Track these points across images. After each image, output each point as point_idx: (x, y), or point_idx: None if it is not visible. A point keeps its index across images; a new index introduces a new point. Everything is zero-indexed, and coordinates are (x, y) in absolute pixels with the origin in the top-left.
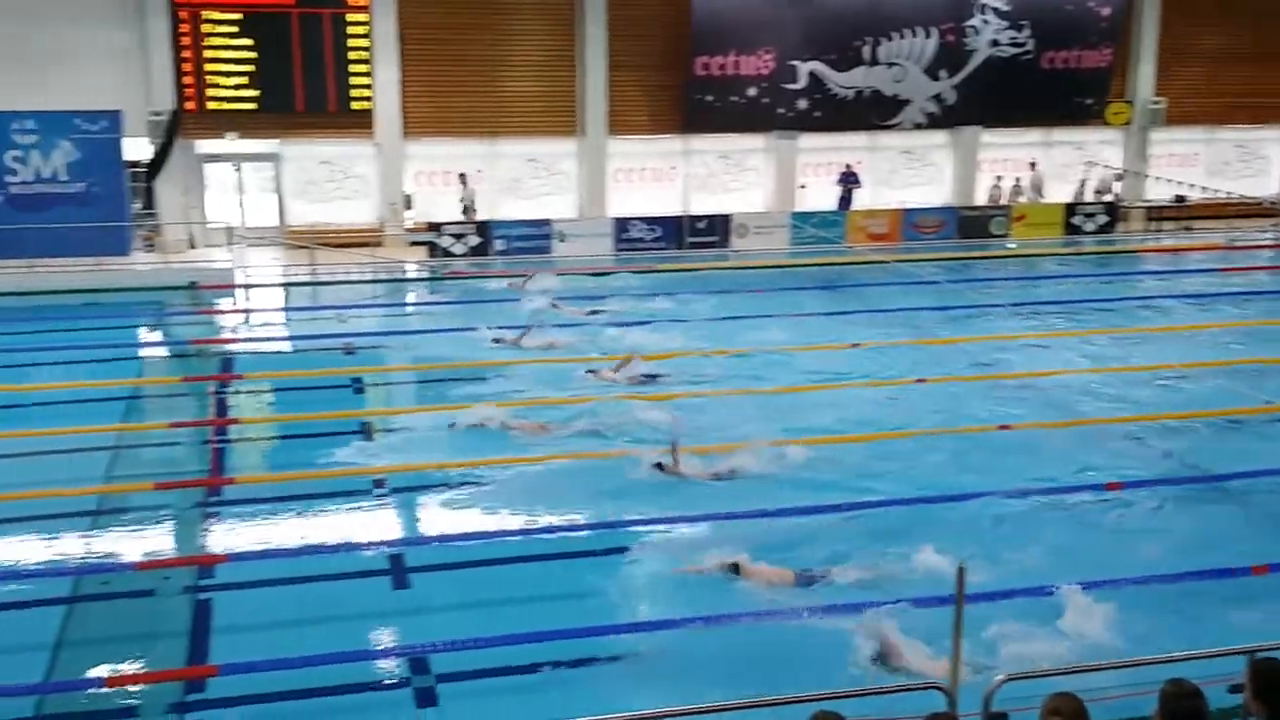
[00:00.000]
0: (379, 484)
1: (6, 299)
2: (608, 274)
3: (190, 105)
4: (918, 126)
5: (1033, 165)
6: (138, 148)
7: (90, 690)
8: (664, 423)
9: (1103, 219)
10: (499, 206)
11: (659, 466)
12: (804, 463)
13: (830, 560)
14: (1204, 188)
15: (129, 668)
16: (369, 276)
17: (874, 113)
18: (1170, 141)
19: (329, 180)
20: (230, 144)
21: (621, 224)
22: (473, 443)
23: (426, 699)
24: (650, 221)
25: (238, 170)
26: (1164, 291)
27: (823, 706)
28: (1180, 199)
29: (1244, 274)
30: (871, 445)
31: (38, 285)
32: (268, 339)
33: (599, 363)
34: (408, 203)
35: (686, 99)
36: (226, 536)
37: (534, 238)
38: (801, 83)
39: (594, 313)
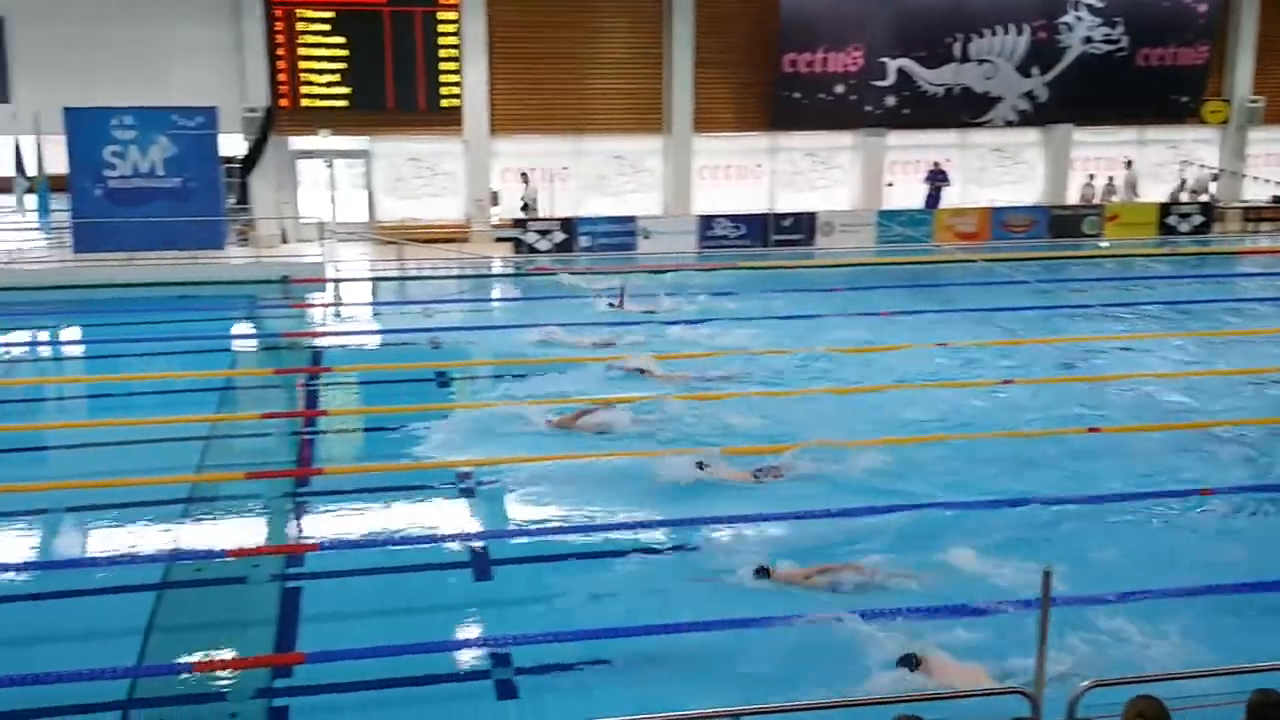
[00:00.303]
0: (463, 477)
1: (105, 291)
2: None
3: (284, 102)
4: (1009, 124)
5: (1128, 164)
6: (233, 144)
7: (180, 675)
8: (744, 425)
9: (1198, 219)
10: (584, 203)
11: (699, 466)
12: (879, 464)
13: (887, 564)
14: None
15: (218, 653)
16: (455, 272)
17: (964, 110)
18: (1268, 141)
19: (417, 177)
20: (322, 140)
21: (706, 221)
22: (554, 438)
23: (507, 691)
24: (735, 219)
25: (329, 166)
26: (1259, 294)
27: (903, 710)
28: (1278, 199)
29: None
30: (954, 446)
31: (135, 278)
32: (356, 333)
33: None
34: (494, 199)
35: (773, 96)
36: (314, 526)
37: (618, 235)
38: (890, 79)
39: (650, 311)
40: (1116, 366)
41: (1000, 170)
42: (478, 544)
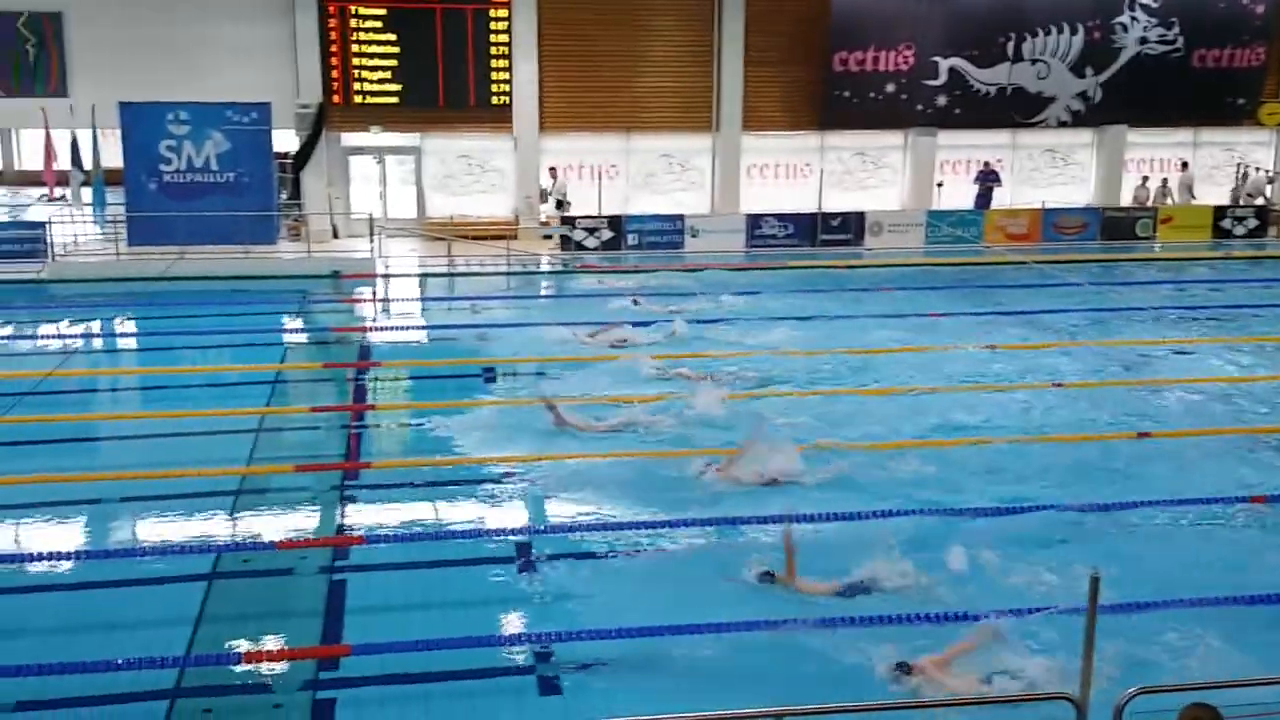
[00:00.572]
0: (508, 474)
1: (158, 284)
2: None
3: (336, 99)
4: (1061, 125)
5: (1184, 166)
6: (286, 140)
7: (228, 665)
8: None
9: (1252, 223)
10: (633, 201)
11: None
12: (919, 467)
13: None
14: None
15: (266, 644)
16: (503, 269)
17: (1016, 110)
18: None
19: (467, 173)
20: (374, 137)
21: (754, 220)
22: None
23: (549, 688)
24: (783, 218)
25: (380, 163)
26: None
27: (946, 712)
28: None
29: None
30: (999, 449)
31: (188, 271)
32: (405, 328)
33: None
34: (543, 196)
35: (823, 95)
36: (361, 519)
37: (666, 233)
38: (942, 79)
39: (675, 311)
40: (1168, 371)
41: (1052, 171)
42: (522, 539)
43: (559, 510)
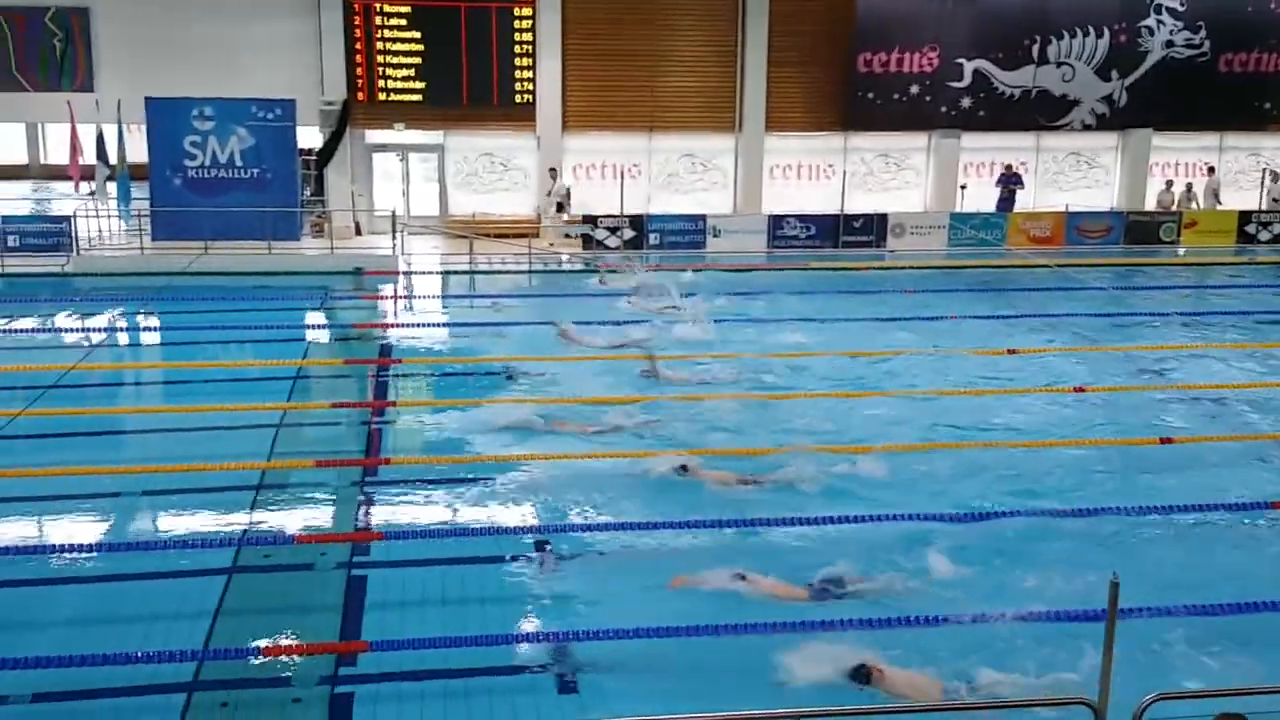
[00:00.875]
0: (526, 470)
1: (182, 279)
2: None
3: (361, 96)
4: (1086, 128)
5: (1210, 170)
6: (310, 136)
7: (247, 659)
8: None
9: (1278, 228)
10: (655, 201)
11: (682, 469)
12: (936, 470)
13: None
14: None
15: (284, 639)
16: (524, 267)
17: (1041, 113)
18: None
19: (490, 172)
20: (397, 134)
21: (776, 221)
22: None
23: (567, 686)
24: (805, 219)
25: (403, 160)
26: None
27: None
28: None
29: None
30: (1019, 453)
31: (211, 266)
32: (426, 325)
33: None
34: (567, 195)
35: (847, 96)
36: (381, 515)
37: (688, 233)
38: (966, 81)
39: (668, 309)
40: (1191, 376)
41: (1076, 174)
42: (540, 537)
43: (578, 509)
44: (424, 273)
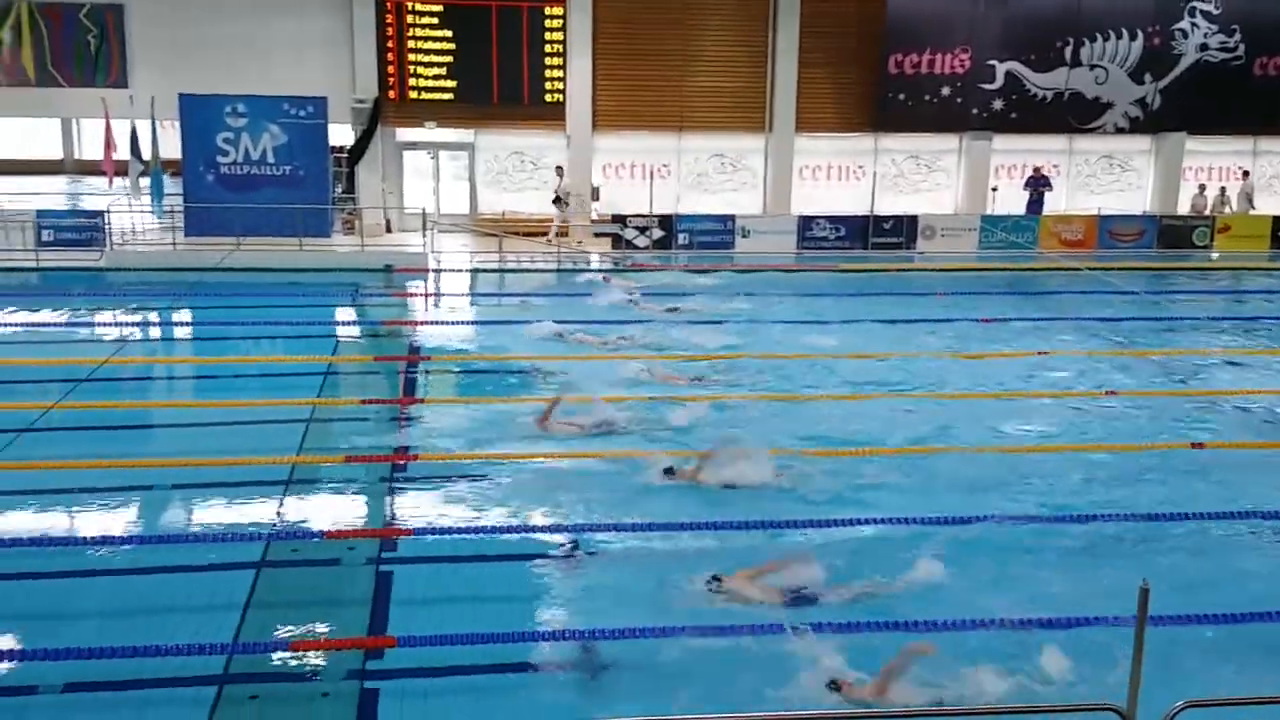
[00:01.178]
0: (554, 470)
1: (214, 274)
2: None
3: (392, 94)
4: (1119, 131)
5: (1245, 174)
6: (341, 134)
7: (276, 652)
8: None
9: None
10: (684, 201)
11: (668, 471)
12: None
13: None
14: None
15: (313, 633)
16: (553, 266)
17: (1073, 115)
18: None
19: (520, 170)
20: (428, 132)
21: (806, 222)
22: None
23: (591, 683)
24: (835, 220)
25: (434, 158)
26: None
27: None
28: None
29: None
30: (1049, 457)
31: (243, 262)
32: (455, 323)
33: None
34: (595, 194)
35: (878, 97)
36: (409, 511)
37: (717, 233)
38: (998, 83)
39: (672, 310)
40: (1223, 381)
41: (1109, 178)
42: (568, 535)
43: (601, 506)
44: (453, 270)
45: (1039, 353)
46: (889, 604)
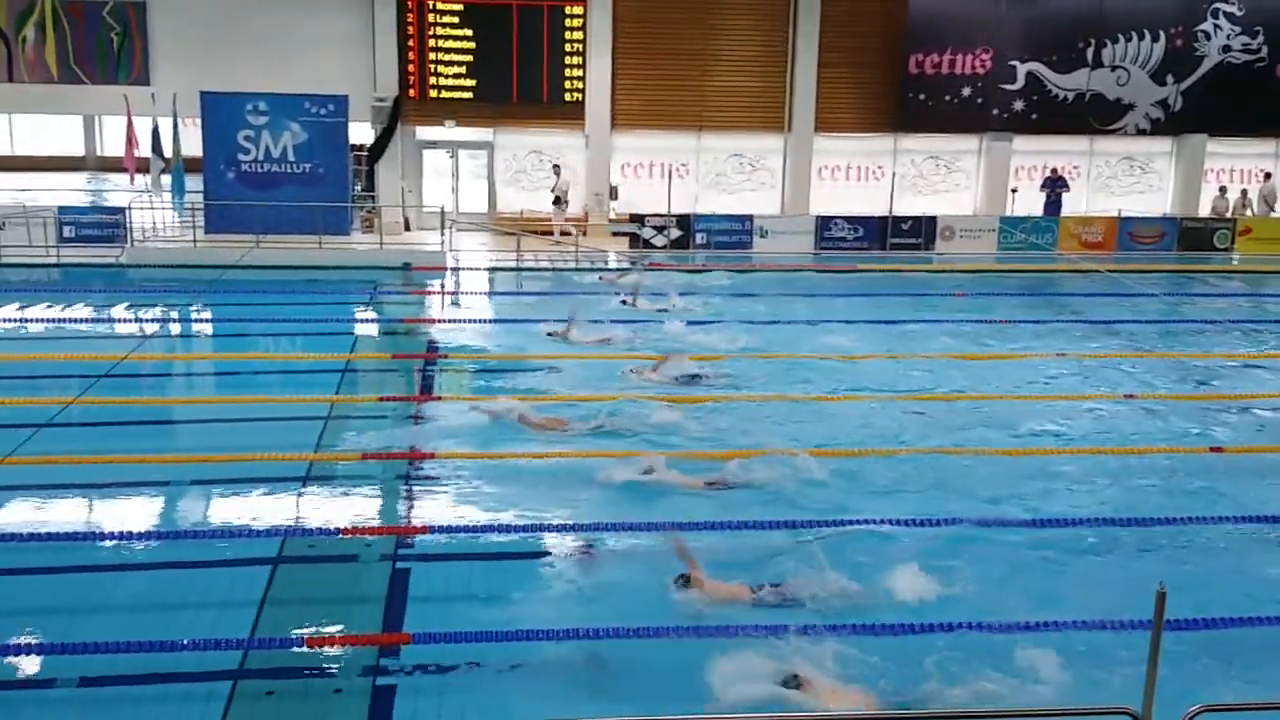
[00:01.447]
0: (570, 467)
1: (233, 272)
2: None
3: (412, 92)
4: (1140, 132)
5: (1266, 176)
6: (361, 132)
7: (291, 648)
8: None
9: None
10: (702, 200)
11: (648, 471)
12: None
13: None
14: None
15: (328, 629)
16: (571, 265)
17: (1094, 116)
18: None
19: (538, 169)
20: (447, 131)
21: (824, 222)
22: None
23: (601, 682)
24: (853, 221)
25: (453, 157)
26: None
27: None
28: None
29: None
30: (1065, 460)
31: (262, 260)
32: (473, 321)
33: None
34: (613, 194)
35: (898, 97)
36: (425, 509)
37: (735, 233)
38: (1019, 83)
39: (663, 310)
40: (1243, 385)
41: (1130, 179)
42: (581, 534)
43: (620, 505)
44: (471, 269)
45: (1057, 354)
46: (904, 606)
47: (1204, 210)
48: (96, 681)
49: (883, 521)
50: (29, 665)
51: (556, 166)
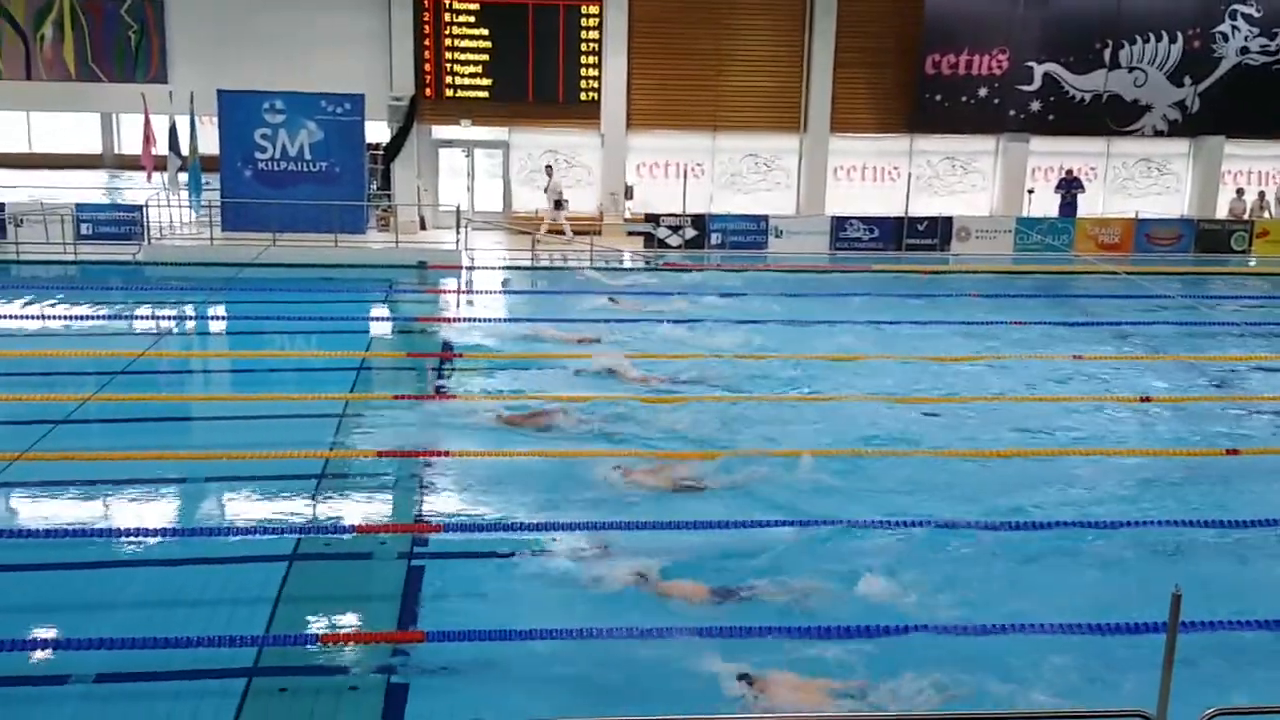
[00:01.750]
0: (585, 465)
1: (250, 269)
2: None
3: (428, 91)
4: (1158, 133)
5: None
6: (377, 130)
7: (306, 645)
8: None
9: None
10: (717, 200)
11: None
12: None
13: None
14: None
15: (342, 626)
16: (586, 264)
17: (1111, 117)
18: None
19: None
20: (463, 130)
21: (839, 223)
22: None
23: (612, 682)
24: (868, 221)
25: (468, 156)
26: None
27: None
28: None
29: None
30: (1081, 462)
31: (278, 258)
32: (488, 320)
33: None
34: (629, 193)
35: (914, 98)
36: (440, 507)
37: (750, 233)
38: (1036, 84)
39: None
40: (1260, 388)
41: (1147, 181)
42: (595, 532)
43: (632, 503)
44: (486, 268)
45: (1073, 356)
46: (920, 605)
47: (1221, 212)
48: (112, 677)
49: (895, 524)
50: (45, 660)
51: (549, 167)
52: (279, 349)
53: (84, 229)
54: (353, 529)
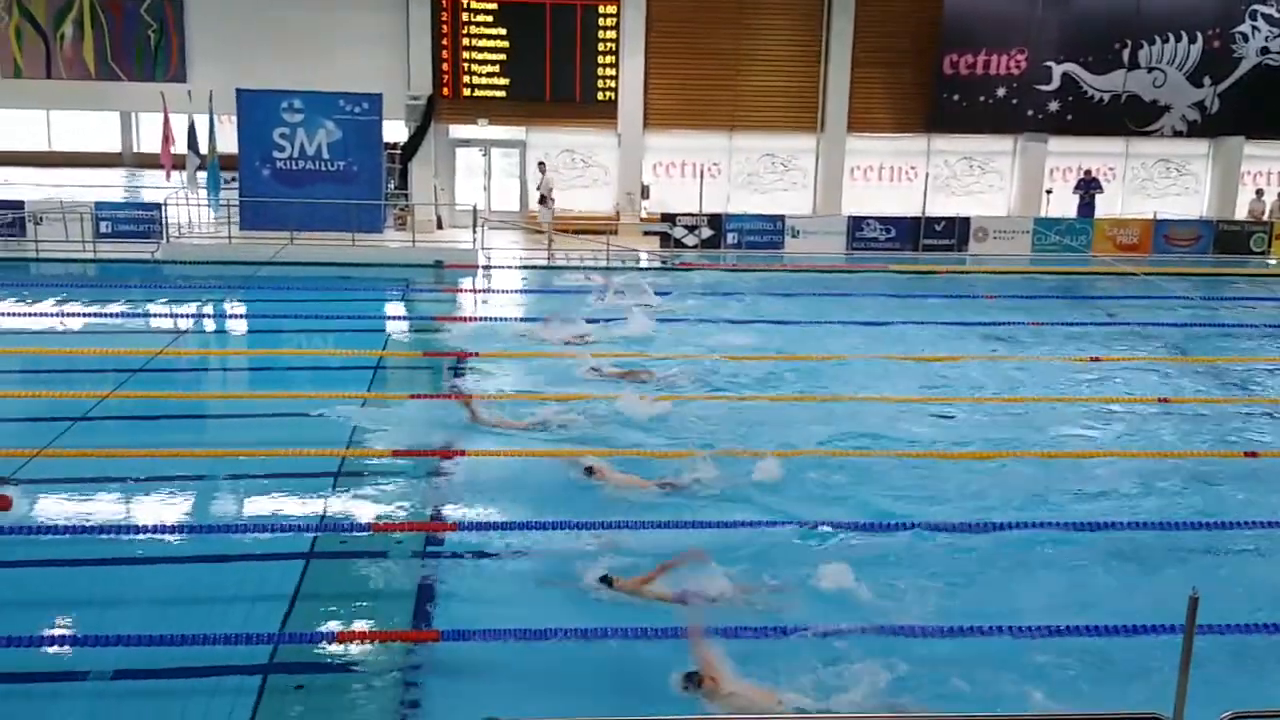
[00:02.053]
0: (594, 468)
1: (268, 268)
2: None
3: (446, 91)
4: (1177, 134)
5: None
6: (395, 130)
7: (321, 643)
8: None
9: None
10: (734, 200)
11: (588, 471)
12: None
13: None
14: None
15: (357, 625)
16: (602, 264)
17: (1130, 118)
18: None
19: (570, 168)
20: (480, 130)
21: (856, 222)
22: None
23: (625, 682)
24: (885, 221)
25: (485, 155)
26: None
27: None
28: None
29: None
30: (1099, 463)
31: (296, 256)
32: (504, 319)
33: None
34: (645, 193)
35: (932, 97)
36: (455, 506)
37: (767, 233)
38: (1054, 84)
39: (644, 306)
40: (1278, 390)
41: (1165, 181)
42: (611, 533)
43: (651, 505)
44: (503, 267)
45: (1091, 358)
46: (940, 606)
47: (1240, 213)
48: (129, 674)
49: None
50: (63, 656)
51: (542, 164)
52: (296, 347)
53: (103, 227)
54: (368, 527)
